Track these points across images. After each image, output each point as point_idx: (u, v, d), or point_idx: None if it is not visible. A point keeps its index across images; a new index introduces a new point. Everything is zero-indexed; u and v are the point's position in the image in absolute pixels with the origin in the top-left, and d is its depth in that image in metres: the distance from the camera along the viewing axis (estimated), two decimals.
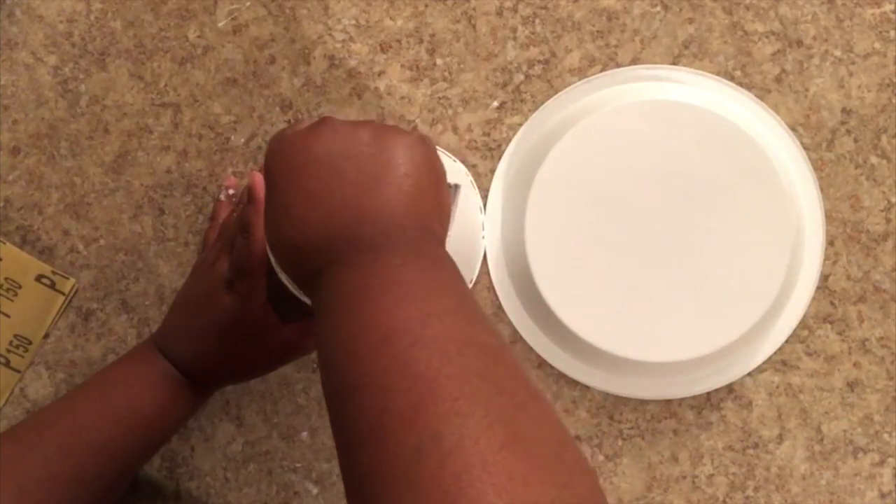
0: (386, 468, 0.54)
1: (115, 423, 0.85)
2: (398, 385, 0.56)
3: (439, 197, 0.70)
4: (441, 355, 0.57)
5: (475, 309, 0.63)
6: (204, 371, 0.87)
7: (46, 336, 0.99)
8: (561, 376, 0.95)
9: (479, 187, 0.96)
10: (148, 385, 0.86)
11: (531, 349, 0.95)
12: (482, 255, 0.96)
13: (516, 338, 0.96)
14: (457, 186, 0.78)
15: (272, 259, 0.72)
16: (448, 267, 0.65)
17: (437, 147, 0.94)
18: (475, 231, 0.95)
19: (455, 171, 0.95)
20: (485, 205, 0.96)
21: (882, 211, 0.93)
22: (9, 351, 0.98)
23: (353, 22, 0.98)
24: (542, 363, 0.95)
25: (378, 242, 0.65)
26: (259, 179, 0.84)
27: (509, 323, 0.96)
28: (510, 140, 0.96)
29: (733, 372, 0.93)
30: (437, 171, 0.71)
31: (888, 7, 0.94)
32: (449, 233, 0.73)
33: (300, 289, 0.70)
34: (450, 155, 0.96)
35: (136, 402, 0.86)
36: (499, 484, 0.51)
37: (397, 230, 0.66)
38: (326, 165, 0.68)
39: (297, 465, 0.97)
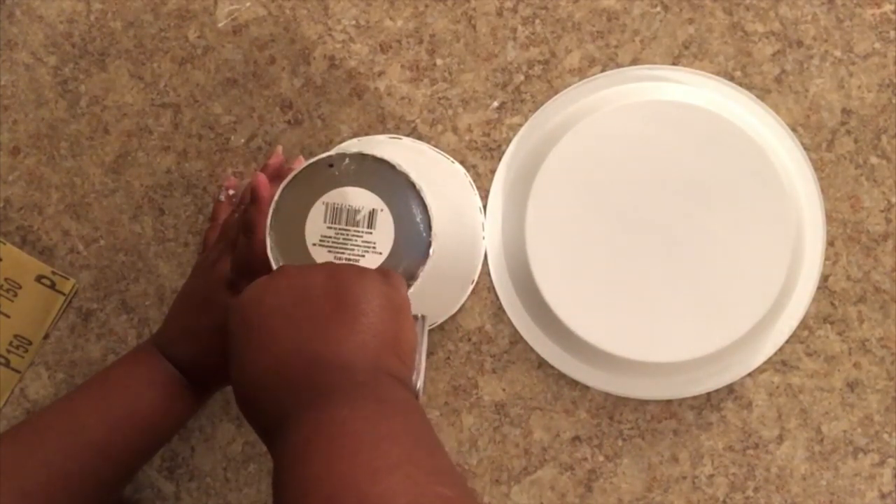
0: None
1: (115, 423, 0.85)
2: None
3: (399, 331, 0.70)
4: None
5: (430, 457, 0.61)
6: (204, 371, 0.87)
7: (46, 336, 0.99)
8: (561, 376, 0.95)
9: (479, 188, 0.96)
10: (148, 385, 0.86)
11: (531, 349, 0.95)
12: (483, 255, 0.96)
13: (517, 338, 0.96)
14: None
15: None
16: (402, 409, 0.64)
17: (436, 149, 0.95)
18: (475, 232, 0.95)
19: (454, 172, 0.95)
20: (485, 205, 0.96)
21: (882, 211, 0.93)
22: (9, 351, 0.98)
23: (353, 22, 0.98)
24: (542, 363, 0.95)
25: (326, 391, 0.64)
26: (262, 179, 0.84)
27: (510, 323, 0.96)
28: (510, 140, 0.96)
29: (733, 372, 0.93)
30: (396, 306, 0.71)
31: (888, 7, 0.94)
32: (420, 367, 0.72)
33: (266, 445, 0.69)
34: (449, 156, 0.96)
35: (137, 402, 0.86)
36: None
37: (346, 374, 0.65)
38: (278, 315, 0.69)
39: None
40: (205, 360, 0.86)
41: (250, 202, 0.84)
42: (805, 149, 0.94)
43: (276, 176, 0.90)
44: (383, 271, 0.73)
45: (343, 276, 0.71)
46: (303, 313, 0.68)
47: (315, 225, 0.80)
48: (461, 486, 0.59)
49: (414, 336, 0.72)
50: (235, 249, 0.85)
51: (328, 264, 0.74)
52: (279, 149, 0.96)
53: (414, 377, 0.72)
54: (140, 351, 0.89)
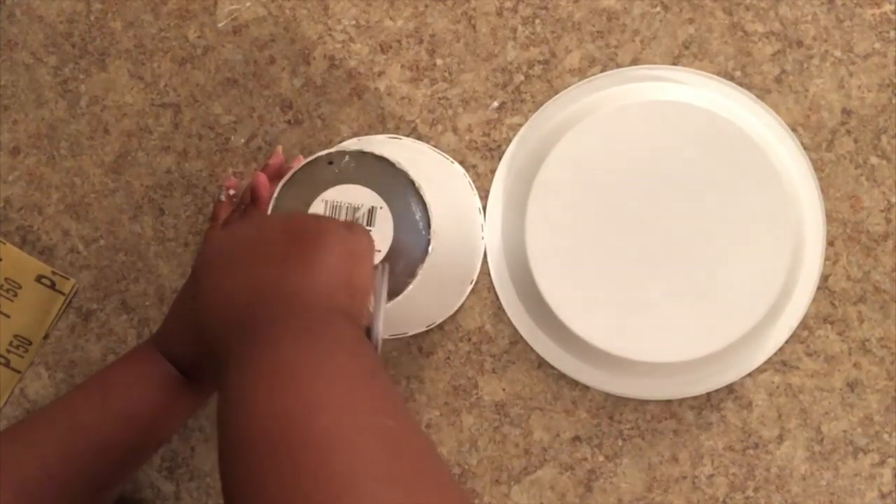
0: None
1: (114, 423, 0.85)
2: (280, 490, 0.53)
3: (353, 273, 0.70)
4: (326, 450, 0.54)
5: (375, 391, 0.60)
6: (204, 371, 0.87)
7: (46, 336, 0.99)
8: (561, 376, 0.95)
9: (479, 188, 0.96)
10: (148, 385, 0.86)
11: (531, 349, 0.95)
12: (482, 255, 0.96)
13: (517, 338, 0.96)
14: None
15: None
16: (347, 345, 0.64)
17: (436, 149, 0.95)
18: (475, 232, 0.95)
19: (454, 172, 0.95)
20: (485, 206, 0.96)
21: (882, 211, 0.93)
22: (9, 351, 0.98)
23: (353, 22, 0.98)
24: (542, 363, 0.95)
25: (272, 325, 0.64)
26: (262, 179, 0.84)
27: (509, 323, 0.96)
28: (510, 140, 0.96)
29: (734, 372, 0.93)
30: (352, 249, 0.71)
31: (888, 7, 0.94)
32: (378, 315, 0.73)
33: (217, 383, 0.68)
34: (449, 157, 0.96)
35: (136, 402, 0.86)
36: None
37: (293, 308, 0.66)
38: (236, 254, 0.70)
39: None
40: (204, 360, 0.86)
41: (250, 202, 0.84)
42: (805, 149, 0.94)
43: (276, 176, 0.90)
44: (347, 222, 0.74)
45: (303, 219, 0.72)
46: (259, 252, 0.69)
47: None
48: (405, 418, 0.59)
49: (369, 280, 0.72)
50: None
51: (296, 213, 0.74)
52: (279, 148, 0.96)
53: (374, 326, 0.72)
54: (139, 350, 0.89)
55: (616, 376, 0.94)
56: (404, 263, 0.79)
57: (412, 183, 0.79)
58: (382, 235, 0.79)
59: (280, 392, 0.58)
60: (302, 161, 0.85)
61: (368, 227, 0.79)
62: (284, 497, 0.53)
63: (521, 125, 0.96)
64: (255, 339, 0.63)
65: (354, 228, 0.74)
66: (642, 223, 0.90)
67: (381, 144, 0.94)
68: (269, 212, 0.80)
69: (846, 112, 0.94)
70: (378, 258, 0.79)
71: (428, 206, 0.79)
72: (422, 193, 0.79)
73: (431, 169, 0.93)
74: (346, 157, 0.80)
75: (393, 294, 0.79)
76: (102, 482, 0.85)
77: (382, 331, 0.73)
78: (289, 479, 0.53)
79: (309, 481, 0.53)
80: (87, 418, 0.84)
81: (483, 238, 0.96)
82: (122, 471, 0.87)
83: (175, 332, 0.88)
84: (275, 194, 0.80)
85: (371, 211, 0.79)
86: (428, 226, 0.79)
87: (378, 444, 0.55)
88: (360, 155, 0.80)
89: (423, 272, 0.79)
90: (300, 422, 0.55)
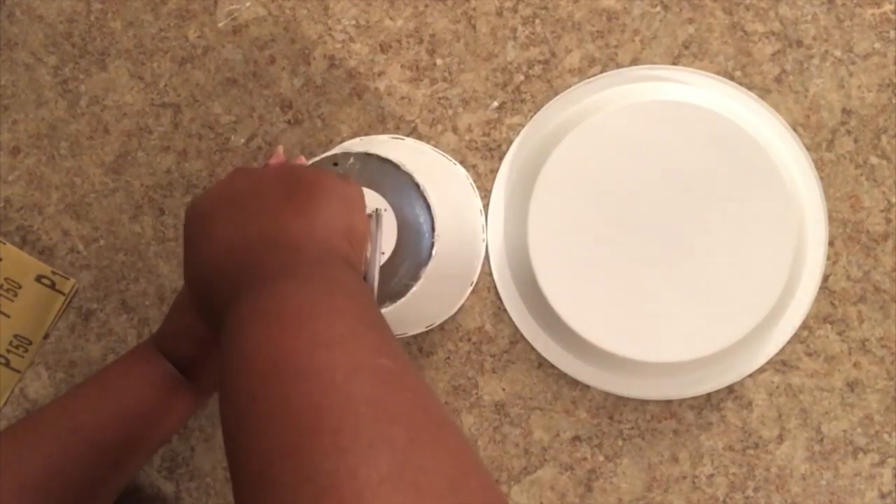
0: None
1: (114, 422, 0.85)
2: (278, 424, 0.53)
3: (350, 220, 0.71)
4: (325, 386, 0.54)
5: (373, 332, 0.60)
6: (204, 370, 0.87)
7: (46, 336, 0.99)
8: (561, 376, 0.95)
9: (479, 187, 0.96)
10: (148, 385, 0.86)
11: (531, 349, 0.95)
12: (482, 255, 0.96)
13: (517, 337, 0.96)
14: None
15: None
16: (347, 288, 0.64)
17: (437, 150, 0.95)
18: (476, 233, 0.95)
19: (455, 173, 0.95)
20: (486, 205, 0.96)
21: (882, 211, 0.93)
22: (9, 351, 0.98)
23: (353, 22, 0.98)
24: (542, 363, 0.95)
25: (273, 270, 0.65)
26: None
27: (510, 323, 0.96)
28: (510, 140, 0.96)
29: (735, 372, 0.93)
30: (348, 197, 0.72)
31: (888, 7, 0.94)
32: (374, 265, 0.73)
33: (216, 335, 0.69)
34: (450, 157, 0.96)
35: (136, 401, 0.86)
36: None
37: (293, 254, 0.66)
38: (232, 206, 0.70)
39: None
40: (205, 360, 0.86)
41: None
42: (805, 148, 0.94)
43: None
44: (340, 173, 0.75)
45: (298, 170, 0.73)
46: (255, 203, 0.70)
47: None
48: (403, 360, 0.59)
49: (366, 228, 0.73)
50: None
51: (286, 164, 0.75)
52: (280, 148, 0.95)
53: (369, 273, 0.73)
54: (140, 350, 0.89)
55: (616, 376, 0.94)
56: (408, 266, 0.79)
57: (417, 185, 0.79)
58: (386, 238, 0.79)
59: (278, 330, 0.58)
60: (303, 161, 0.85)
61: None
62: (282, 432, 0.53)
63: (521, 125, 0.96)
64: (256, 282, 0.63)
65: (348, 179, 0.74)
66: (644, 223, 0.90)
67: (384, 145, 0.94)
68: None
69: (846, 112, 0.94)
70: (382, 259, 0.79)
71: (432, 208, 0.79)
72: (426, 196, 0.79)
73: (433, 170, 0.93)
74: (351, 159, 0.80)
75: (396, 296, 0.79)
76: (102, 482, 0.85)
77: (376, 283, 0.74)
78: (286, 414, 0.53)
79: (306, 416, 0.53)
80: (87, 418, 0.84)
81: (484, 239, 0.96)
82: (122, 470, 0.87)
83: (175, 331, 0.88)
84: None
85: (375, 213, 0.79)
86: (432, 228, 0.79)
87: (376, 383, 0.55)
88: (365, 157, 0.80)
89: (427, 273, 0.79)
90: (298, 358, 0.56)
